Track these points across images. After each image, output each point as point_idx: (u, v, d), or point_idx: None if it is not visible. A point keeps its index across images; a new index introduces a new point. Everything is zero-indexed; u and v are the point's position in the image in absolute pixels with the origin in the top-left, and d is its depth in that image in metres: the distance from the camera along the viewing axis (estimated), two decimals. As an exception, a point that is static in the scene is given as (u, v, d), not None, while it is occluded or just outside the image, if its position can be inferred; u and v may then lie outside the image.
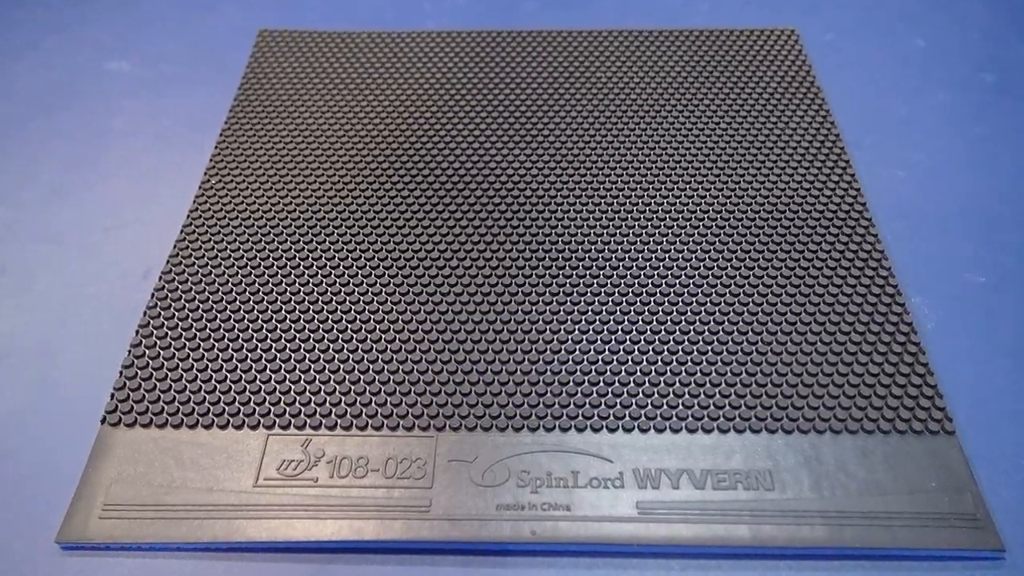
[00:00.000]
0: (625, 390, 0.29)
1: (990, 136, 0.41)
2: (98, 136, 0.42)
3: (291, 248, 0.34)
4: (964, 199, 0.38)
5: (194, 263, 0.34)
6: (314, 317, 0.32)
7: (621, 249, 0.34)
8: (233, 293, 0.33)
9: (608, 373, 0.30)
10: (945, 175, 0.39)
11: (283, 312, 0.32)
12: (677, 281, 0.33)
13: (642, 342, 0.31)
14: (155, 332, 0.31)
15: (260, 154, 0.39)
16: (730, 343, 0.31)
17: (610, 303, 0.32)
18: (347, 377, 0.30)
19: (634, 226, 0.35)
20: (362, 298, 0.32)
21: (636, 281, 0.33)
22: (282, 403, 0.29)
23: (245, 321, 0.32)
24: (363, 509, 0.26)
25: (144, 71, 0.46)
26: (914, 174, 0.39)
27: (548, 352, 0.30)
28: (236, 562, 0.26)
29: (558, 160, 0.38)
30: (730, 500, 0.26)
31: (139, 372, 0.30)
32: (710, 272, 0.33)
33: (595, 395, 0.29)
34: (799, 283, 0.33)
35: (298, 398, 0.29)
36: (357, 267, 0.34)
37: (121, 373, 0.30)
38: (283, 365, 0.30)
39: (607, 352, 0.30)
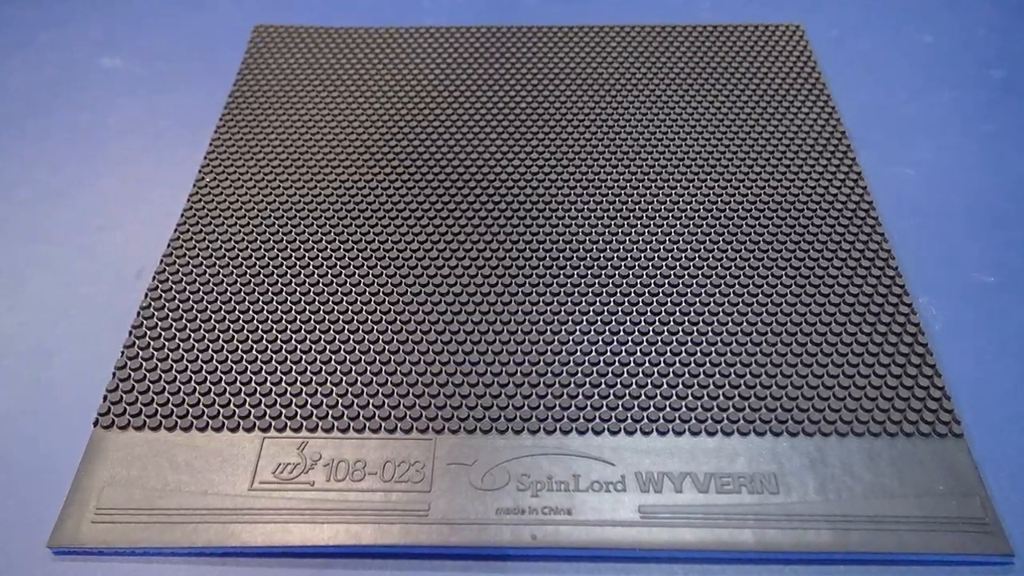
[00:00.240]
0: (627, 392, 0.29)
1: (998, 133, 0.41)
2: (91, 134, 0.42)
3: (287, 247, 0.34)
4: (972, 197, 0.38)
5: (188, 262, 0.34)
6: (311, 317, 0.32)
7: (623, 248, 0.34)
8: (228, 293, 0.33)
9: (610, 375, 0.30)
10: (952, 173, 0.39)
11: (279, 312, 0.32)
12: (680, 281, 0.33)
13: (644, 343, 0.31)
14: (148, 333, 0.31)
15: (255, 152, 0.39)
16: (734, 344, 0.31)
17: (612, 303, 0.32)
18: (344, 378, 0.30)
19: (636, 225, 0.35)
20: (359, 298, 0.32)
21: (638, 281, 0.33)
22: (278, 405, 0.29)
23: (240, 321, 0.32)
24: (360, 513, 0.26)
25: (138, 68, 0.46)
26: (921, 172, 0.39)
27: (549, 353, 0.30)
28: (231, 567, 0.26)
29: (559, 158, 0.38)
30: (734, 504, 0.26)
31: (132, 373, 0.30)
32: (713, 271, 0.33)
33: (596, 397, 0.29)
34: (804, 283, 0.33)
35: (294, 400, 0.29)
36: (354, 266, 0.34)
37: (114, 374, 0.30)
38: (279, 366, 0.30)
39: (609, 353, 0.30)
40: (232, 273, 0.33)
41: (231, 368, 0.30)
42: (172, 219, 0.36)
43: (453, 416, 0.29)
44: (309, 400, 0.29)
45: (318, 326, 0.31)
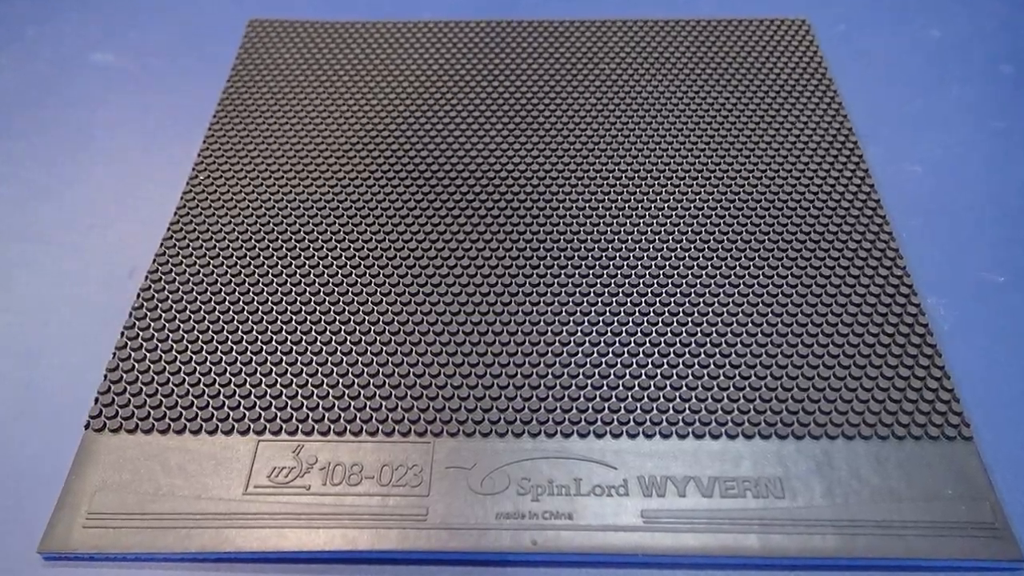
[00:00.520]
0: (629, 394, 0.29)
1: (1008, 130, 0.41)
2: (82, 130, 0.42)
3: (282, 246, 0.34)
4: (982, 195, 0.38)
5: (182, 262, 0.34)
6: (307, 318, 0.32)
7: (625, 247, 0.34)
8: (222, 293, 0.33)
9: (612, 376, 0.30)
10: (962, 170, 0.39)
11: (274, 313, 0.32)
12: (683, 280, 0.33)
13: (647, 344, 0.31)
14: (141, 334, 0.31)
15: (250, 149, 0.39)
16: (739, 345, 0.31)
17: (614, 303, 0.32)
18: (341, 380, 0.30)
19: (639, 223, 0.35)
20: (356, 298, 0.32)
21: (640, 280, 0.33)
22: (273, 407, 0.29)
23: (235, 322, 0.32)
24: (357, 518, 0.26)
25: (129, 63, 0.46)
26: (930, 169, 0.39)
27: (550, 354, 0.30)
28: (225, 573, 0.26)
29: (559, 156, 0.38)
30: (739, 508, 0.26)
31: (124, 375, 0.30)
32: (717, 271, 0.33)
33: (598, 399, 0.29)
34: (810, 283, 0.33)
35: (290, 402, 0.29)
36: (351, 266, 0.34)
37: (106, 376, 0.30)
38: (274, 368, 0.30)
39: (610, 354, 0.30)
40: (227, 272, 0.33)
41: (225, 370, 0.30)
42: (165, 217, 0.36)
43: (452, 418, 0.29)
44: (305, 402, 0.29)
45: (314, 326, 0.31)
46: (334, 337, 0.31)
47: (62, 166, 0.40)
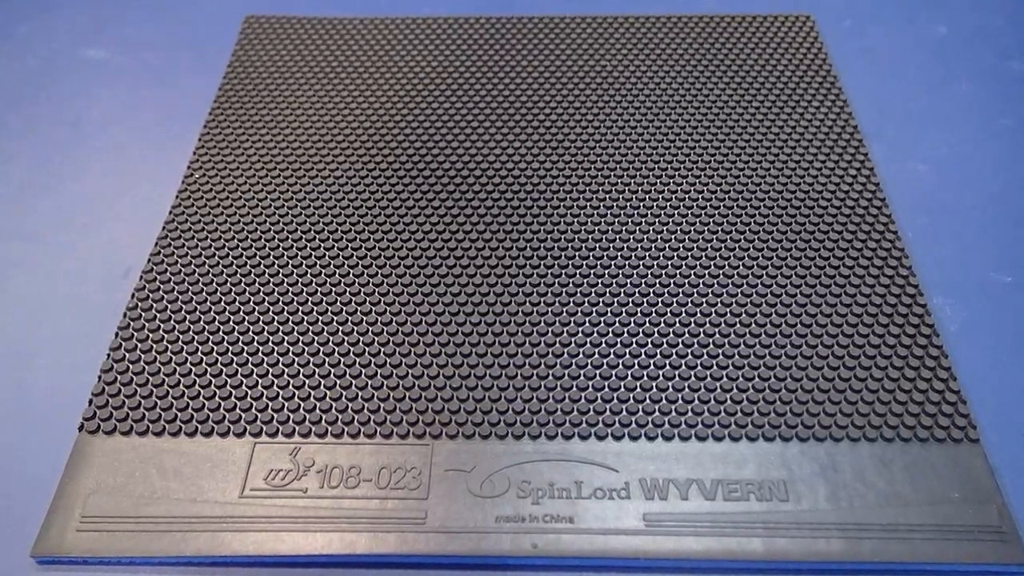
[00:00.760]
0: (631, 395, 0.29)
1: (1016, 127, 0.41)
2: (75, 128, 0.42)
3: (279, 246, 0.34)
4: (989, 194, 0.38)
5: (177, 262, 0.34)
6: (303, 318, 0.32)
7: (627, 246, 0.34)
8: (218, 293, 0.33)
9: (613, 377, 0.30)
10: (969, 169, 0.39)
11: (271, 313, 0.32)
12: (686, 280, 0.33)
13: (649, 344, 0.31)
14: (136, 335, 0.31)
15: (246, 147, 0.39)
16: (742, 346, 0.31)
17: (615, 303, 0.32)
18: (338, 382, 0.30)
19: (640, 222, 0.35)
20: (354, 298, 0.32)
21: (643, 280, 0.33)
22: (269, 409, 0.29)
23: (231, 323, 0.32)
24: (355, 521, 0.26)
25: (123, 59, 0.46)
26: (936, 168, 0.39)
27: (550, 355, 0.30)
28: (221, 577, 0.26)
29: (560, 153, 0.38)
30: (742, 512, 0.26)
31: (119, 377, 0.30)
32: (720, 270, 0.33)
33: (599, 401, 0.29)
34: (815, 283, 0.33)
35: (286, 404, 0.29)
36: (349, 265, 0.34)
37: (100, 378, 0.30)
38: (271, 369, 0.30)
39: (612, 355, 0.30)
40: (222, 272, 0.33)
41: (221, 371, 0.30)
42: (160, 216, 0.36)
43: (451, 420, 0.29)
44: (302, 404, 0.29)
45: (311, 327, 0.31)
46: (331, 337, 0.31)
47: (55, 164, 0.40)
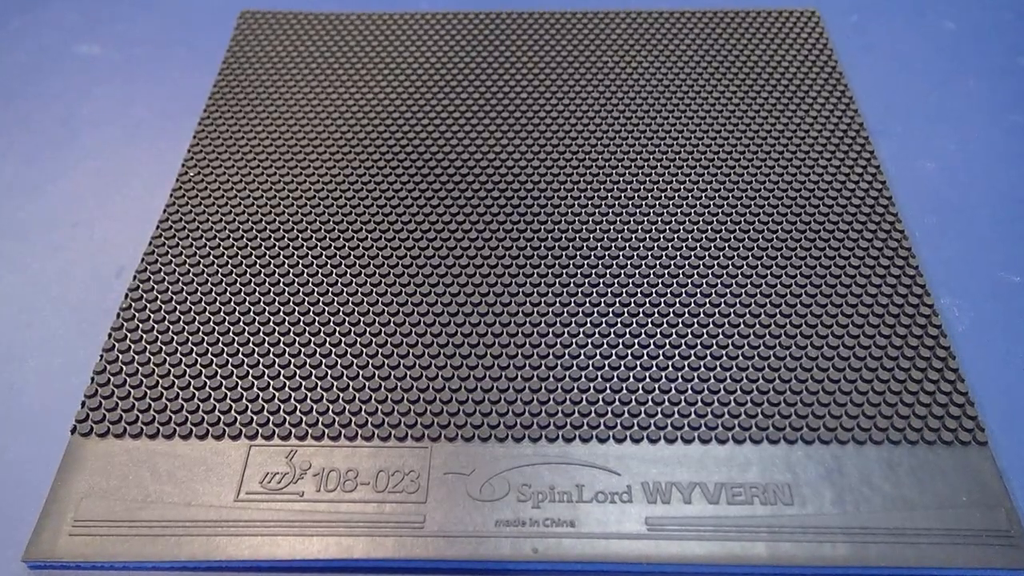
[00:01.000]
0: (633, 398, 0.29)
1: (1025, 125, 0.41)
2: (66, 124, 0.42)
3: (275, 245, 0.35)
4: (998, 192, 0.38)
5: (171, 261, 0.34)
6: (300, 319, 0.32)
7: (629, 246, 0.34)
8: (213, 293, 0.33)
9: (615, 379, 0.30)
10: (978, 167, 0.39)
11: (267, 314, 0.32)
12: (689, 280, 0.33)
13: (651, 346, 0.31)
14: (129, 336, 0.31)
15: (241, 144, 0.39)
16: (746, 347, 0.31)
17: (617, 303, 0.32)
18: (335, 383, 0.30)
19: (643, 221, 0.35)
20: (351, 298, 0.32)
21: (644, 280, 0.33)
22: (265, 411, 0.29)
23: (226, 324, 0.32)
24: (352, 525, 0.26)
25: (116, 55, 0.46)
26: (944, 166, 0.39)
27: (550, 356, 0.30)
28: (216, 582, 0.26)
29: (561, 151, 0.38)
30: (746, 516, 0.26)
31: (112, 379, 0.30)
32: (724, 270, 0.33)
33: (601, 403, 0.29)
34: (820, 283, 0.33)
35: (282, 406, 0.29)
36: (346, 265, 0.34)
37: (92, 380, 0.30)
38: (267, 371, 0.30)
39: (614, 356, 0.30)
40: (217, 272, 0.34)
41: (216, 373, 0.30)
42: (154, 215, 0.36)
43: (450, 423, 0.29)
44: (298, 406, 0.29)
45: (308, 326, 0.31)
46: (328, 338, 0.31)
47: (46, 161, 0.40)
